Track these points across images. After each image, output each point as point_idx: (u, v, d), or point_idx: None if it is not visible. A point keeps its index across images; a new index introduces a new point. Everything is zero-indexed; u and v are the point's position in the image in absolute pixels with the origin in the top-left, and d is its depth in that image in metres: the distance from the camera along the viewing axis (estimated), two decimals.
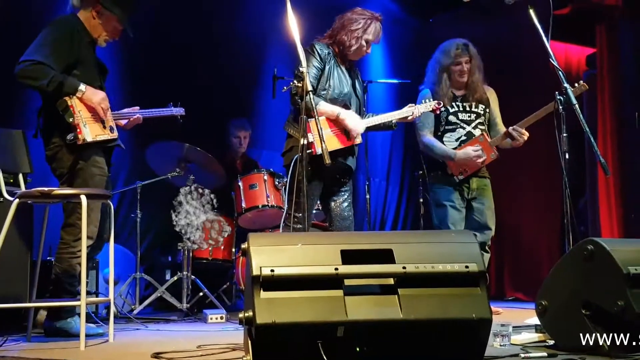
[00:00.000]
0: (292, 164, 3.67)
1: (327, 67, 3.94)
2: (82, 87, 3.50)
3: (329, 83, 3.93)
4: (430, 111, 4.40)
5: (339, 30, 4.01)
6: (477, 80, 4.76)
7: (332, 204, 4.07)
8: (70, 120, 3.46)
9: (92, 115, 3.55)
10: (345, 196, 4.09)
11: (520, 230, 6.56)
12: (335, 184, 4.06)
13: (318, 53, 3.93)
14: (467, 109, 4.75)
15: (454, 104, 4.74)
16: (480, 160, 4.61)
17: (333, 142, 3.86)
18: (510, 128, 4.57)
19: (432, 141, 4.71)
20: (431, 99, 4.54)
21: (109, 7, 3.73)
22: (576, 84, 4.43)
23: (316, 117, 3.33)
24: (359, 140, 3.96)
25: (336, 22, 4.06)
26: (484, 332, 2.30)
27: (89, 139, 3.50)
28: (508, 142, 4.66)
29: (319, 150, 3.67)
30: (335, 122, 3.90)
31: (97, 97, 3.55)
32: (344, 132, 3.91)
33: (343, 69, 4.04)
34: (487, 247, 4.72)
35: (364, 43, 3.99)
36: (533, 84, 6.32)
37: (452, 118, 4.72)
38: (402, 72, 7.29)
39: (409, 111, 4.19)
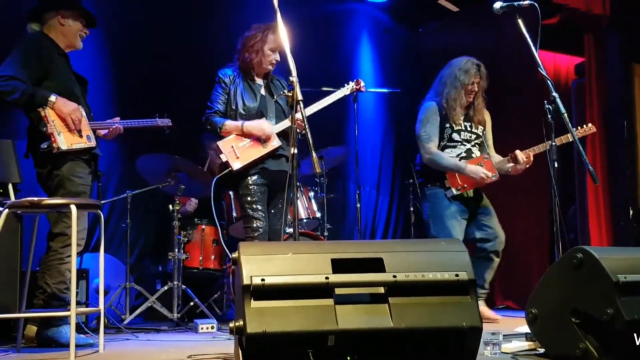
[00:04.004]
0: (213, 185, 3.98)
1: (232, 88, 4.19)
2: (53, 97, 3.57)
3: (236, 102, 4.17)
4: (356, 91, 4.47)
5: (241, 50, 4.25)
6: (481, 102, 4.78)
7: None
8: (44, 129, 3.52)
9: (67, 125, 3.58)
10: (276, 209, 4.26)
11: (510, 239, 6.53)
12: (279, 194, 4.22)
13: (222, 80, 4.22)
14: (469, 128, 4.77)
15: (458, 122, 4.74)
16: (485, 181, 4.61)
17: (252, 153, 4.09)
18: (518, 152, 4.57)
19: (440, 153, 4.69)
20: (437, 113, 4.68)
21: (68, 7, 3.84)
22: (584, 126, 4.51)
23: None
24: (275, 142, 4.11)
25: (239, 44, 4.27)
26: (474, 340, 2.30)
27: (64, 147, 3.54)
28: (507, 167, 4.67)
29: (235, 166, 4.03)
30: (245, 134, 4.11)
31: (68, 107, 3.60)
32: (257, 140, 4.11)
33: (255, 83, 4.26)
34: (499, 252, 4.73)
35: (268, 52, 4.19)
36: (521, 93, 6.36)
37: (455, 136, 4.72)
38: (391, 82, 7.32)
39: (328, 100, 4.30)
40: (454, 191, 4.65)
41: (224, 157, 4.07)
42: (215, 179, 4.04)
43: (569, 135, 4.24)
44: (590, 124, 4.61)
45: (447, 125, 4.71)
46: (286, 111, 4.19)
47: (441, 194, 4.70)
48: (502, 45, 6.50)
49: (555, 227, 3.34)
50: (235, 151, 4.08)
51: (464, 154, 4.72)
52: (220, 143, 4.11)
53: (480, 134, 4.81)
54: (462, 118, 4.76)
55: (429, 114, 4.75)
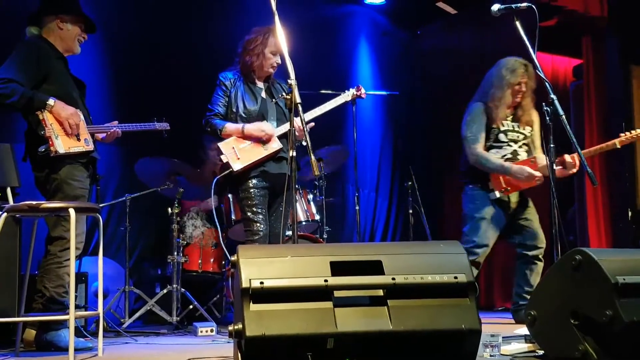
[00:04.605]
0: (214, 185, 4.01)
1: (232, 91, 4.21)
2: (51, 101, 3.57)
3: (236, 105, 4.19)
4: (357, 96, 4.47)
5: (242, 53, 4.26)
6: (529, 102, 4.74)
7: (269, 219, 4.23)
8: (42, 133, 3.53)
9: (65, 128, 3.60)
10: (277, 213, 4.25)
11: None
12: (280, 197, 4.20)
13: (223, 82, 4.24)
14: (516, 128, 4.73)
15: (505, 122, 4.72)
16: (535, 180, 4.52)
17: (252, 154, 4.10)
18: (566, 156, 4.49)
19: (487, 154, 4.64)
20: (483, 114, 4.64)
21: (68, 12, 3.85)
22: (628, 133, 4.48)
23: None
24: (275, 144, 4.12)
25: (240, 48, 4.28)
26: (473, 342, 2.31)
27: (62, 150, 3.54)
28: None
29: (236, 167, 4.03)
30: (245, 137, 4.12)
31: (66, 112, 3.60)
32: (258, 141, 4.12)
33: (255, 86, 4.27)
34: (540, 257, 4.70)
35: (269, 55, 4.21)
36: None
37: (502, 136, 4.69)
38: (390, 84, 7.33)
39: (328, 105, 4.30)
40: (497, 194, 4.62)
41: (224, 158, 4.08)
42: (215, 180, 4.04)
43: (620, 139, 4.43)
44: (635, 131, 4.55)
45: (494, 125, 4.67)
46: (287, 114, 4.20)
47: (483, 196, 4.68)
48: (501, 48, 6.48)
49: (554, 229, 3.34)
50: (236, 152, 4.09)
51: (509, 155, 4.67)
52: (221, 144, 4.12)
53: (528, 134, 4.75)
54: (509, 118, 4.72)
55: (475, 114, 4.71)
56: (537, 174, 4.51)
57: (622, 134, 4.55)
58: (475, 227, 4.67)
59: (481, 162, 4.64)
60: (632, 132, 4.53)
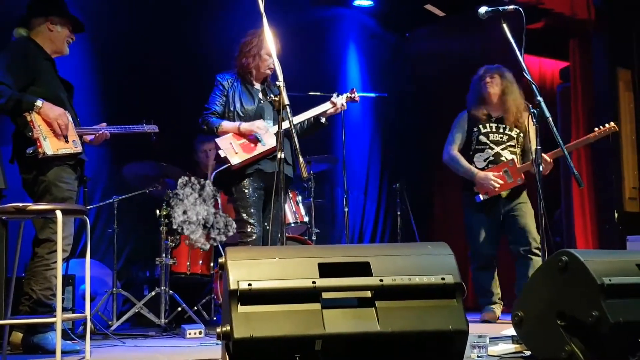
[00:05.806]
0: (213, 178, 4.08)
1: (230, 92, 4.23)
2: (39, 102, 3.56)
3: (234, 104, 4.21)
4: (350, 99, 4.46)
5: (238, 56, 4.30)
6: (514, 102, 4.80)
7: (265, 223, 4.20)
8: (30, 134, 3.52)
9: (53, 130, 3.58)
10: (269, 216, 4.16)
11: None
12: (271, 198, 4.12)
13: (220, 82, 4.27)
14: (501, 130, 4.80)
15: (487, 124, 4.79)
16: (497, 188, 4.66)
17: (250, 149, 4.10)
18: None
19: (458, 156, 4.81)
20: (466, 120, 4.87)
21: (58, 14, 3.84)
22: (605, 125, 4.56)
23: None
24: (272, 141, 4.10)
25: (236, 51, 4.32)
26: (460, 343, 2.31)
27: (50, 152, 3.53)
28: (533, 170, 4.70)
29: (234, 161, 4.01)
30: (242, 134, 4.12)
31: (54, 112, 3.59)
32: (255, 139, 4.12)
33: (252, 87, 4.29)
34: (534, 250, 4.73)
35: (265, 56, 4.23)
36: None
37: (482, 138, 4.78)
38: (379, 86, 7.35)
39: (328, 105, 4.31)
40: (481, 197, 4.70)
41: (222, 153, 4.05)
42: (214, 174, 4.03)
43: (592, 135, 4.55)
44: (612, 123, 4.63)
45: (475, 128, 4.81)
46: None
47: (471, 202, 4.80)
48: (489, 50, 6.53)
49: (540, 230, 3.36)
50: (234, 147, 4.07)
51: (491, 158, 4.76)
52: (218, 140, 4.10)
53: (515, 136, 4.83)
54: (493, 119, 4.84)
55: (458, 120, 4.97)
56: (497, 184, 4.60)
57: (596, 129, 4.62)
58: (469, 235, 4.87)
59: (450, 164, 4.85)
60: (606, 125, 4.59)
